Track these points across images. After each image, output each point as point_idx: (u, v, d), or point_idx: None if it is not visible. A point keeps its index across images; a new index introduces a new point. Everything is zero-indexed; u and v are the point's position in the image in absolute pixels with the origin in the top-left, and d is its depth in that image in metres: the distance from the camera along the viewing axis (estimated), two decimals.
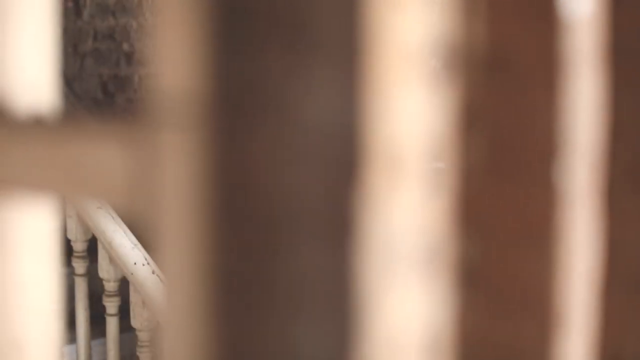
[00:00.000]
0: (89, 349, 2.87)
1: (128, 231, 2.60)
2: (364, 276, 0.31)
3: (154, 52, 0.42)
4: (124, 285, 2.69)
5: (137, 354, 2.69)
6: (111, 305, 2.75)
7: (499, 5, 0.40)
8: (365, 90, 0.33)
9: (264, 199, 0.37)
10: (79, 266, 2.81)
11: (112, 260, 2.64)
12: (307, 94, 0.36)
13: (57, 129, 0.50)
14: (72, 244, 2.81)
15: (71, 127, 0.47)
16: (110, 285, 2.72)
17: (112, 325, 2.77)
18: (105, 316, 2.77)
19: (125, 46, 4.62)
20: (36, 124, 0.53)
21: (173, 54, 0.41)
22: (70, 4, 4.88)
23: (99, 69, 4.77)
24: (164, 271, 0.41)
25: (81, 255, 2.81)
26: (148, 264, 2.54)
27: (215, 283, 0.35)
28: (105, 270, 2.69)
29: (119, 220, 2.62)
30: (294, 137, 0.36)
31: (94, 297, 2.87)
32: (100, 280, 2.74)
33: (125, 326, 2.78)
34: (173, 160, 0.41)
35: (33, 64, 0.62)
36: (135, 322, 2.65)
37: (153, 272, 2.53)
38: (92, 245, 2.80)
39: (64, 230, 2.80)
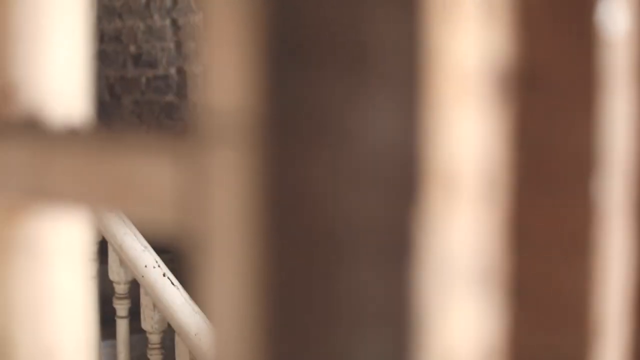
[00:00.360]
0: (99, 350, 2.88)
1: (138, 234, 2.61)
2: (422, 294, 0.32)
3: (205, 68, 0.43)
4: (134, 287, 2.70)
5: (148, 356, 2.70)
6: (121, 308, 2.76)
7: (538, 25, 0.41)
8: (423, 113, 0.34)
9: (321, 218, 0.38)
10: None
11: (123, 262, 2.65)
12: (365, 116, 0.37)
13: (100, 141, 0.51)
14: None
15: (116, 139, 0.48)
16: (121, 288, 2.73)
17: (122, 327, 2.78)
18: (116, 318, 2.78)
19: (132, 48, 4.63)
20: (77, 136, 0.54)
21: (225, 71, 0.42)
22: None
23: (105, 70, 4.78)
24: (212, 292, 0.41)
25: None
26: (159, 266, 2.55)
27: (268, 302, 0.36)
28: (115, 273, 2.70)
29: (129, 223, 2.63)
30: (353, 158, 0.37)
31: (103, 298, 2.88)
32: (111, 282, 2.75)
33: (135, 328, 2.79)
34: (224, 178, 0.42)
35: (67, 73, 0.63)
36: (145, 324, 2.66)
37: (164, 275, 2.54)
38: (100, 248, 2.80)
39: None
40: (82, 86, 0.64)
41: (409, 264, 0.36)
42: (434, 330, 0.32)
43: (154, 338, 2.66)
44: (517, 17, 0.40)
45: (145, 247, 2.60)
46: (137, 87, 4.61)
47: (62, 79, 0.63)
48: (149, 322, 2.64)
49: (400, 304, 0.33)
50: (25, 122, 0.61)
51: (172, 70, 4.20)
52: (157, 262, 2.56)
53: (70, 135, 0.54)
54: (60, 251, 0.64)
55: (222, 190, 0.43)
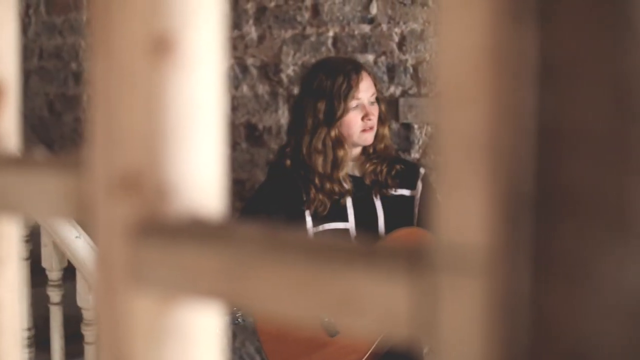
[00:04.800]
0: None
1: None
2: None
3: (444, 202, 0.49)
4: None
5: None
6: (90, 334, 2.76)
7: None
8: None
9: (565, 351, 0.45)
10: (55, 295, 2.82)
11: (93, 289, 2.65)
12: (621, 264, 0.43)
13: (303, 251, 0.56)
14: (47, 273, 2.82)
15: (339, 254, 0.54)
16: (90, 314, 2.74)
17: (90, 353, 2.78)
18: (84, 344, 2.78)
19: (74, 65, 4.60)
20: (271, 242, 0.59)
21: (463, 208, 0.48)
22: None
23: (45, 87, 4.74)
24: None
25: (57, 284, 2.82)
26: None
27: None
28: (84, 300, 2.71)
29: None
30: (606, 296, 0.43)
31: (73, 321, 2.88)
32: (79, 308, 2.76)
33: None
34: (461, 305, 0.48)
35: (213, 169, 0.68)
36: None
37: None
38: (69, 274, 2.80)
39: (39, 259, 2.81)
40: (221, 182, 0.69)
41: None
42: None
43: None
44: None
45: None
46: (79, 104, 4.58)
47: (210, 177, 0.68)
48: None
49: None
50: (188, 221, 0.66)
51: None
52: None
53: (264, 241, 0.59)
54: (201, 336, 0.69)
55: (458, 315, 0.48)
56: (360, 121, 2.70)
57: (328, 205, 2.66)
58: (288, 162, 2.71)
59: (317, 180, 2.67)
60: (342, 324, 0.53)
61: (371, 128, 2.72)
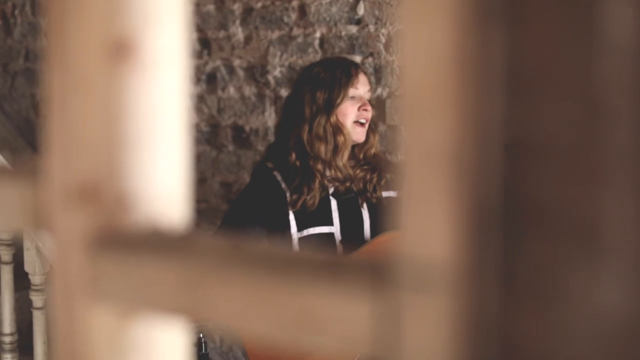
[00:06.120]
0: None
1: None
2: None
3: (406, 218, 0.46)
4: None
5: None
6: None
7: None
8: None
9: None
10: (38, 299, 2.79)
11: None
12: (589, 281, 0.41)
13: (282, 271, 0.53)
14: (30, 277, 2.78)
15: (298, 269, 0.51)
16: None
17: None
18: None
19: None
20: (234, 256, 0.56)
21: (428, 225, 0.46)
22: None
23: (31, 89, 4.70)
24: None
25: (40, 288, 2.79)
26: None
27: None
28: None
29: None
30: (573, 314, 0.41)
31: None
32: None
33: None
34: (422, 321, 0.46)
35: (175, 180, 0.66)
36: None
37: None
38: None
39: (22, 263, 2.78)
40: (186, 191, 0.67)
41: None
42: None
43: None
44: None
45: None
46: None
47: (172, 186, 0.65)
48: None
49: None
50: (148, 232, 0.63)
51: None
52: None
53: (228, 256, 0.57)
54: (163, 351, 0.67)
55: (422, 334, 0.46)
56: (356, 110, 2.70)
57: (317, 201, 2.64)
58: (293, 155, 2.69)
59: (320, 166, 2.66)
60: (302, 342, 0.51)
61: (363, 124, 2.71)
